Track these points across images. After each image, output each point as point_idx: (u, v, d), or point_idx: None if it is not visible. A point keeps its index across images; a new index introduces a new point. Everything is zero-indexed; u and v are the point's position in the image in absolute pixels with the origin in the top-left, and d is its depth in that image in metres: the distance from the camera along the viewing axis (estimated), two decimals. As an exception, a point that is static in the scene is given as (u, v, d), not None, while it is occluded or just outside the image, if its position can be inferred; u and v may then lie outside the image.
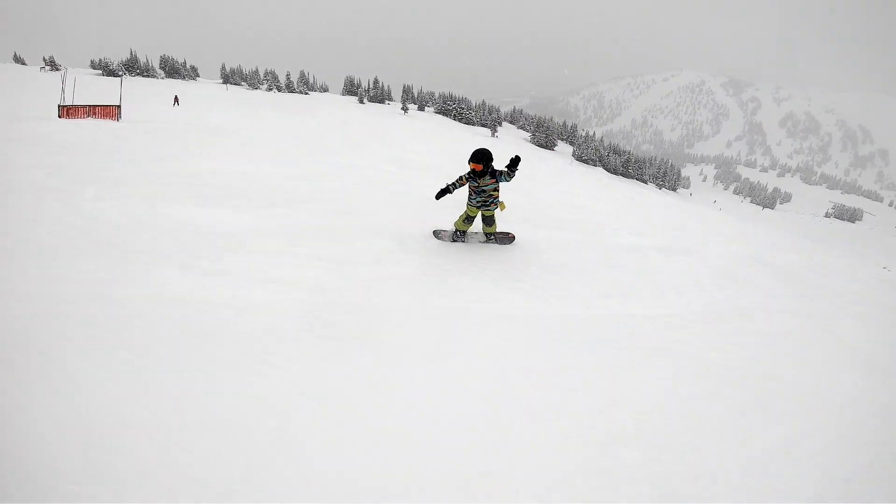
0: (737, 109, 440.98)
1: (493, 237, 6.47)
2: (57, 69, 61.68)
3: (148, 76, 77.99)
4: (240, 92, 66.52)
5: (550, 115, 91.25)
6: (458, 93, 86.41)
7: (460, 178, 5.97)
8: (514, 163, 5.64)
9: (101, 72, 72.73)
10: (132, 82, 59.59)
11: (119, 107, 17.84)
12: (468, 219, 6.21)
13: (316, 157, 12.65)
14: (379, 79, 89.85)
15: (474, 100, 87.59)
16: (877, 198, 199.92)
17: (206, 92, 54.36)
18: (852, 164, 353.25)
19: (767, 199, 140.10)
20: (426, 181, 10.31)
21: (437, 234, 6.35)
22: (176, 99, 33.54)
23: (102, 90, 33.53)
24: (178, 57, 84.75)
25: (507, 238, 6.53)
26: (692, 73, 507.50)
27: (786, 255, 9.51)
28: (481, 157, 5.70)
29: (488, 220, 6.29)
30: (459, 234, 6.33)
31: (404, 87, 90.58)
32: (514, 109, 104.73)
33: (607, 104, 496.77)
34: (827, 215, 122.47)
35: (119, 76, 71.81)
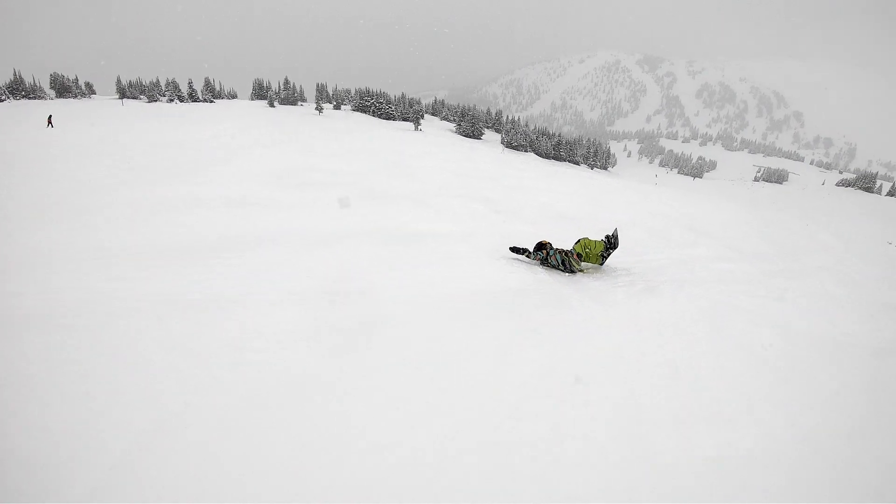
0: (653, 85, 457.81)
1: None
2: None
3: (35, 98, 69.65)
4: (136, 106, 59.79)
5: (471, 104, 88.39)
6: (375, 87, 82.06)
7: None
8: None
9: (-19, 98, 64.16)
10: (16, 106, 52.32)
11: None
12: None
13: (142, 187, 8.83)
14: (290, 79, 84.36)
15: (393, 94, 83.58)
16: (797, 157, 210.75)
17: (97, 111, 47.67)
18: (769, 128, 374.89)
19: (695, 169, 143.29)
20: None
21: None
22: (49, 120, 30.52)
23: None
24: (71, 74, 75.80)
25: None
26: (607, 52, 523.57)
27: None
28: None
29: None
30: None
31: (318, 85, 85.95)
32: (436, 101, 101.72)
33: (525, 90, 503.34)
34: (756, 179, 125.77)
35: (1, 101, 63.71)
